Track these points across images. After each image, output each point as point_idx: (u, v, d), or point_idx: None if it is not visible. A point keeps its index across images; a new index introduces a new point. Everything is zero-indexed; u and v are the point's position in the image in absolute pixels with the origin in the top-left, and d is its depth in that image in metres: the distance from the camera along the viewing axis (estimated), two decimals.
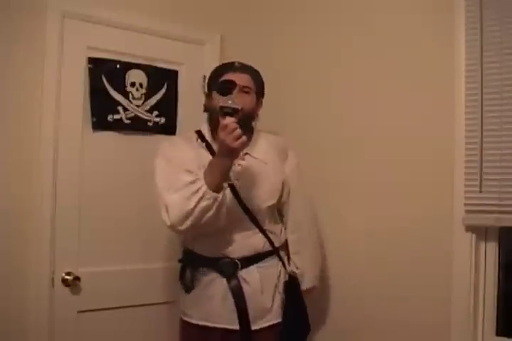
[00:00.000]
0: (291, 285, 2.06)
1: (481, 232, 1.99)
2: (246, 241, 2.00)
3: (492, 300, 1.99)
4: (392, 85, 2.20)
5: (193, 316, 2.03)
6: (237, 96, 1.84)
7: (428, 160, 2.09)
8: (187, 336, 2.09)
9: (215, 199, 1.79)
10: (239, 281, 1.97)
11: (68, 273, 2.26)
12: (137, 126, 2.49)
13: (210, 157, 1.91)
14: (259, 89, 2.05)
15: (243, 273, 1.99)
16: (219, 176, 1.80)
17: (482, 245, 2.00)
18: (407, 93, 2.16)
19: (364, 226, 2.26)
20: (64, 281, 2.25)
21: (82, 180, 2.33)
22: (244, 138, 1.75)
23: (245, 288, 1.98)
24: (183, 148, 2.01)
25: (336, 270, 2.34)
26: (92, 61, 2.36)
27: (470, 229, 1.97)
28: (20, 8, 2.16)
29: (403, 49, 2.17)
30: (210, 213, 1.80)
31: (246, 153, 2.02)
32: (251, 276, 1.99)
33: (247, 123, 1.94)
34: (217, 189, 1.80)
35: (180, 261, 2.11)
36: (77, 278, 2.26)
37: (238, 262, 1.98)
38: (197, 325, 2.02)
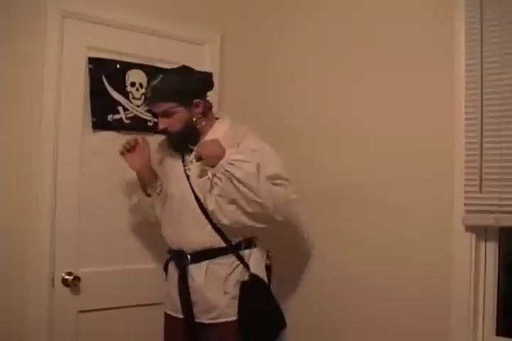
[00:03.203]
0: (250, 286, 2.01)
1: (481, 232, 1.99)
2: (196, 235, 2.03)
3: (492, 300, 1.98)
4: (392, 85, 2.20)
5: (165, 305, 2.18)
6: (160, 120, 2.06)
7: (428, 160, 2.09)
8: (165, 325, 2.20)
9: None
10: (186, 275, 2.05)
11: (68, 273, 2.26)
12: (137, 126, 2.49)
13: (170, 152, 2.19)
14: (179, 99, 2.03)
15: (192, 268, 2.05)
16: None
17: (482, 245, 1.99)
18: (407, 92, 2.16)
19: (364, 226, 2.26)
20: (64, 281, 2.25)
21: (82, 180, 2.33)
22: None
23: (190, 282, 2.04)
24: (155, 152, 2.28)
25: (334, 270, 2.34)
26: (92, 61, 2.36)
27: (470, 229, 1.97)
28: (20, 9, 2.17)
29: (403, 48, 2.17)
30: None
31: None
32: (197, 272, 2.04)
33: (185, 135, 2.07)
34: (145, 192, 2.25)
35: (168, 252, 2.20)
36: (77, 278, 2.26)
37: (188, 256, 2.04)
38: (166, 314, 2.17)
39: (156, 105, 2.05)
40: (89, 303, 2.32)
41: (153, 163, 2.26)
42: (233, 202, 1.90)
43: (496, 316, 1.98)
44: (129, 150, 2.18)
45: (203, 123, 2.09)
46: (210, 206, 1.94)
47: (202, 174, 1.99)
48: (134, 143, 2.18)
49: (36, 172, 2.20)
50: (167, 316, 2.17)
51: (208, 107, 2.13)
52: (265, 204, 1.89)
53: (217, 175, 1.89)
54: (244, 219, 1.93)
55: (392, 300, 2.15)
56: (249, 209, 1.90)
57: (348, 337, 2.29)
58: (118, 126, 2.44)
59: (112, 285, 2.37)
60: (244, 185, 1.86)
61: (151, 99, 2.07)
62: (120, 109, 2.44)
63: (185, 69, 2.13)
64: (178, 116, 2.04)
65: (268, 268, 2.12)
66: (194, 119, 2.06)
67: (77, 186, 2.32)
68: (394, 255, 2.16)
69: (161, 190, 2.20)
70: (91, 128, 2.37)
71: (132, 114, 2.48)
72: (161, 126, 2.06)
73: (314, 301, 2.39)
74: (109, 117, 2.41)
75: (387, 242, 2.18)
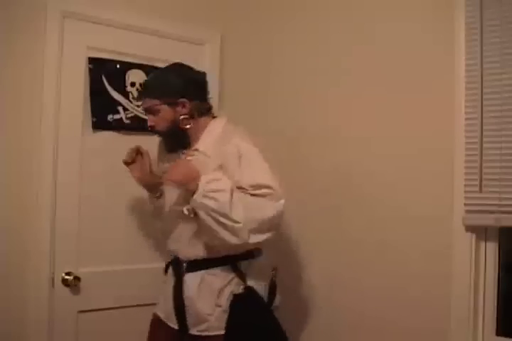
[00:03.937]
0: (242, 299, 1.91)
1: (481, 232, 1.99)
2: (191, 244, 1.97)
3: (492, 300, 1.98)
4: (392, 85, 2.20)
5: (158, 307, 2.11)
6: (147, 117, 2.05)
7: (428, 160, 2.09)
8: (152, 325, 2.12)
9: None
10: (181, 284, 1.99)
11: (68, 273, 2.26)
12: (137, 126, 2.49)
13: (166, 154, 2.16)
14: (165, 97, 1.97)
15: (187, 277, 1.99)
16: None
17: (482, 245, 1.99)
18: (407, 93, 2.16)
19: (364, 226, 2.26)
20: (64, 281, 2.25)
21: (82, 180, 2.33)
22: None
23: (185, 291, 1.98)
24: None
25: (334, 270, 2.34)
26: (92, 61, 2.36)
27: (470, 229, 1.97)
28: (20, 9, 2.17)
29: (403, 48, 2.17)
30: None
31: (195, 149, 2.01)
32: (191, 281, 1.97)
33: (172, 135, 2.03)
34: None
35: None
36: (77, 278, 2.26)
37: (184, 264, 2.00)
38: (156, 316, 2.10)
39: (142, 101, 2.06)
40: (89, 303, 2.32)
41: (162, 166, 2.19)
42: (213, 233, 1.84)
43: (496, 316, 1.98)
44: (133, 160, 2.15)
45: (190, 125, 2.00)
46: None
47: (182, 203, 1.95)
48: (134, 153, 2.15)
49: (36, 172, 2.20)
50: (156, 318, 2.09)
51: (197, 109, 2.01)
52: (245, 226, 1.81)
53: (195, 209, 1.84)
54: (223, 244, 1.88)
55: (392, 300, 2.15)
56: (233, 241, 1.82)
57: (348, 336, 2.28)
58: (118, 126, 2.44)
59: (112, 285, 2.37)
60: (221, 215, 1.80)
61: (139, 94, 2.16)
62: (120, 109, 2.44)
63: (175, 67, 2.07)
64: (163, 115, 1.99)
65: (273, 285, 2.01)
66: (181, 119, 1.99)
67: (77, 186, 2.32)
68: (394, 255, 2.16)
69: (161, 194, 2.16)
70: (91, 128, 2.37)
71: (132, 114, 2.48)
72: (148, 123, 2.05)
73: (313, 300, 2.39)
74: (109, 117, 2.41)
75: (388, 242, 2.18)
